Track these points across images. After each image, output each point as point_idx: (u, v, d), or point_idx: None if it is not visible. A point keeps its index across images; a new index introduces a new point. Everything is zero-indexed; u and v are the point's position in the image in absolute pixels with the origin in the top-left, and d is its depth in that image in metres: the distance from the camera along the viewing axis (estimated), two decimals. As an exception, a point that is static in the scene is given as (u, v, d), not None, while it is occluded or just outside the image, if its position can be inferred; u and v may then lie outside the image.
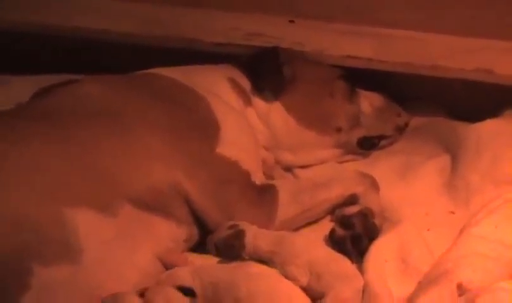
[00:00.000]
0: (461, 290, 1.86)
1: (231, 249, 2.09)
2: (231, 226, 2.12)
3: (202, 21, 2.66)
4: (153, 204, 2.07)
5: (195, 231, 2.18)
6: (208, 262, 2.14)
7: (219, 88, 2.38)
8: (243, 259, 2.10)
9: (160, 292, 1.97)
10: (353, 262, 2.07)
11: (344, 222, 2.17)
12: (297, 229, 2.23)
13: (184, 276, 2.01)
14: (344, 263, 2.05)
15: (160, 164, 2.11)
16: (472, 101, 2.46)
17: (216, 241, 2.12)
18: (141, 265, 2.04)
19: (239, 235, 2.10)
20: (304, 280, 2.00)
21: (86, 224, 1.94)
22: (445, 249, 2.05)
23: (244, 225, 2.13)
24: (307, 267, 2.03)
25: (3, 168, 1.96)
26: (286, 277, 2.02)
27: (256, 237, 2.12)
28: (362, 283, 2.00)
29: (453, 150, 2.37)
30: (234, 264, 2.07)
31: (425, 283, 1.93)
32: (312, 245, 2.12)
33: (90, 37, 2.72)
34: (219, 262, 2.12)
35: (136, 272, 2.02)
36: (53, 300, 1.89)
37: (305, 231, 2.23)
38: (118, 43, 2.69)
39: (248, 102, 2.42)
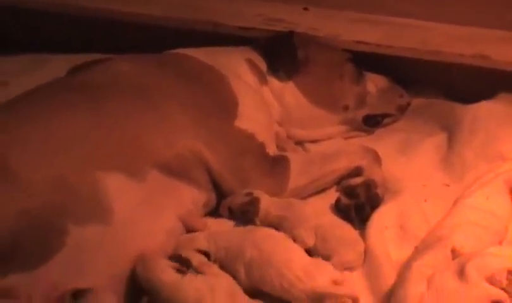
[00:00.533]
0: (454, 254, 1.87)
1: (246, 214, 2.13)
2: (247, 194, 2.15)
3: (228, 7, 2.71)
4: (177, 171, 2.10)
5: (213, 197, 2.20)
6: (222, 227, 2.17)
7: (238, 68, 2.40)
8: (254, 224, 2.13)
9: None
10: (356, 228, 2.09)
11: (349, 192, 2.19)
12: (305, 198, 2.24)
13: (201, 240, 2.05)
14: (347, 229, 2.09)
15: (184, 135, 2.13)
16: (469, 84, 2.47)
17: (231, 206, 2.16)
18: (166, 226, 2.06)
19: (254, 202, 2.14)
20: (310, 242, 2.04)
21: (117, 188, 1.97)
22: (441, 218, 2.06)
23: (259, 193, 2.16)
24: (314, 231, 2.06)
25: (46, 135, 1.97)
26: (294, 240, 2.04)
27: (268, 204, 2.14)
28: (364, 247, 2.02)
29: (450, 129, 2.37)
30: (244, 229, 2.10)
31: (422, 248, 1.95)
32: (319, 212, 2.15)
33: (124, 20, 2.76)
34: (232, 227, 2.16)
35: (161, 232, 2.05)
36: (85, 258, 1.90)
37: (313, 199, 2.24)
38: (149, 25, 2.72)
39: (264, 81, 2.43)
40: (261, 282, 1.95)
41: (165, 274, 1.91)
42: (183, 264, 1.95)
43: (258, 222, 2.14)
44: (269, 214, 2.13)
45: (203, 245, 2.03)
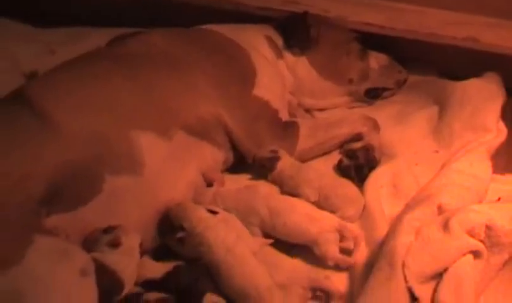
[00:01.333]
0: (440, 210, 1.90)
1: (262, 168, 2.17)
2: (273, 151, 2.19)
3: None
4: (200, 132, 2.13)
5: (230, 156, 2.23)
6: (237, 182, 2.21)
7: (257, 43, 2.40)
8: (266, 178, 2.18)
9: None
10: (355, 184, 2.14)
11: (350, 154, 2.23)
12: (312, 159, 2.27)
13: (210, 200, 2.09)
14: (350, 187, 2.11)
15: (207, 101, 2.16)
16: (460, 63, 2.47)
17: (255, 157, 2.19)
18: (189, 179, 2.10)
19: (273, 160, 2.17)
20: (313, 198, 2.08)
21: (149, 145, 2.01)
22: (429, 179, 2.09)
23: (282, 154, 2.19)
24: (317, 191, 2.09)
25: (88, 95, 2.01)
26: (299, 196, 2.09)
27: (286, 164, 2.17)
28: (363, 203, 2.06)
29: (441, 102, 2.37)
30: (246, 189, 2.12)
31: (412, 204, 1.98)
32: (322, 175, 2.16)
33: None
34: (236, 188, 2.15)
35: (185, 185, 2.09)
36: (117, 203, 1.96)
37: (318, 161, 2.27)
38: (180, 4, 2.72)
39: (279, 55, 2.44)
40: (275, 231, 1.99)
41: (201, 212, 1.96)
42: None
43: (269, 177, 2.17)
44: (282, 173, 2.16)
45: (214, 205, 2.06)
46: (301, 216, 1.99)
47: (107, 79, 2.08)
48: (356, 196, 2.09)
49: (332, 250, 1.93)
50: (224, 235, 1.92)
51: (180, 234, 1.94)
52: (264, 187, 2.12)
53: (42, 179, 1.85)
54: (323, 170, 2.22)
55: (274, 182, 2.18)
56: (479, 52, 2.45)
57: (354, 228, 1.97)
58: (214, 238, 1.91)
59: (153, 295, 1.86)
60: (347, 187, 2.12)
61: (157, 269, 1.93)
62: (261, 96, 2.27)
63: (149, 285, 1.89)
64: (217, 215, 1.97)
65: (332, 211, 2.04)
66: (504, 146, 2.22)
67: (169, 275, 1.91)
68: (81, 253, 1.77)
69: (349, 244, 1.94)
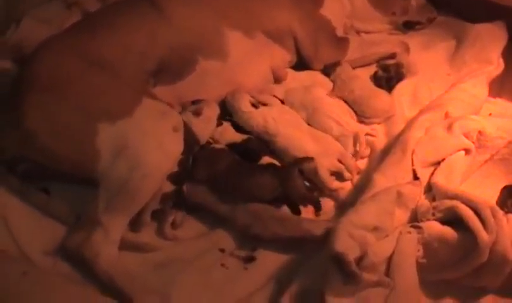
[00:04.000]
0: (446, 116, 1.89)
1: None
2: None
3: None
4: (275, 36, 2.10)
5: (294, 58, 2.18)
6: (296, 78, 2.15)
7: None
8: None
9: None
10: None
11: (384, 68, 2.20)
12: (355, 68, 2.20)
13: (278, 92, 2.04)
14: (379, 101, 2.04)
15: (285, 12, 2.13)
16: (477, 11, 2.37)
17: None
18: (262, 72, 2.10)
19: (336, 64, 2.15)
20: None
21: (235, 40, 2.00)
22: (440, 94, 2.06)
23: (344, 63, 2.16)
24: (357, 97, 2.04)
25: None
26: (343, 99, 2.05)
27: (343, 69, 2.13)
28: (386, 116, 2.02)
29: (458, 38, 2.29)
30: (303, 88, 2.05)
31: (425, 110, 1.95)
32: (364, 86, 2.08)
33: None
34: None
35: (258, 75, 2.08)
36: (207, 81, 1.96)
37: (360, 70, 2.22)
38: None
39: None
40: (316, 125, 1.96)
41: (244, 105, 1.95)
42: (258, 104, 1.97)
43: (331, 77, 2.13)
44: (338, 76, 2.12)
45: (280, 96, 2.03)
46: (329, 121, 1.95)
47: None
48: (381, 111, 2.02)
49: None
50: (263, 122, 1.91)
51: (228, 119, 1.96)
52: (317, 90, 2.07)
53: (154, 57, 1.87)
54: (364, 81, 2.15)
55: (332, 81, 2.14)
56: (494, 4, 2.35)
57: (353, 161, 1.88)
58: (256, 125, 1.92)
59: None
60: (379, 100, 2.04)
61: (237, 137, 1.93)
62: (325, 15, 2.23)
63: (231, 145, 1.90)
64: (260, 108, 1.95)
65: (361, 117, 2.01)
66: (499, 77, 2.17)
67: (243, 141, 1.91)
68: (175, 114, 1.78)
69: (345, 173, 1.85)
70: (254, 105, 1.95)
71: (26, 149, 1.71)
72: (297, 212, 1.74)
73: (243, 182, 1.75)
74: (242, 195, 1.73)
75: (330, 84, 2.13)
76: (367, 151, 1.92)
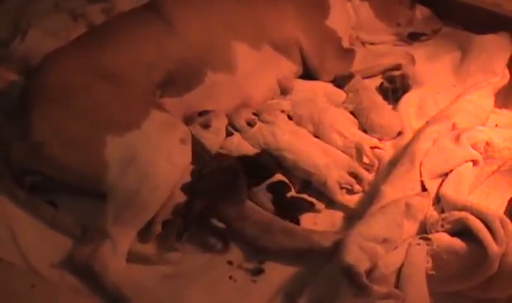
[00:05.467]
0: (453, 127, 1.89)
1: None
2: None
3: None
4: (282, 47, 2.12)
5: (300, 69, 2.20)
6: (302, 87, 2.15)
7: None
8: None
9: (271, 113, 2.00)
10: (390, 103, 2.12)
11: (390, 79, 2.22)
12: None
13: (286, 105, 2.05)
14: (383, 118, 2.02)
15: (291, 24, 2.14)
16: (482, 22, 2.38)
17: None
18: (269, 83, 2.11)
19: (350, 77, 2.17)
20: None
21: (242, 52, 2.02)
22: (446, 105, 2.06)
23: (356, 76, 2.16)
24: (363, 111, 2.05)
25: (204, 10, 2.00)
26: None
27: (356, 81, 2.14)
28: (390, 134, 2.00)
29: (463, 49, 2.30)
30: (309, 100, 2.06)
31: (432, 121, 1.96)
32: (374, 101, 2.08)
33: None
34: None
35: (265, 87, 2.09)
36: (214, 94, 1.98)
37: (365, 81, 2.20)
38: None
39: None
40: (322, 137, 1.96)
41: (240, 122, 1.95)
42: (256, 120, 1.96)
43: (345, 88, 2.13)
44: (352, 87, 2.13)
45: (287, 109, 2.03)
46: (333, 134, 1.96)
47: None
48: (378, 126, 2.01)
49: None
50: (264, 139, 1.91)
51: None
52: (321, 101, 2.09)
53: (162, 69, 1.88)
54: (373, 93, 2.15)
55: (348, 91, 2.14)
56: (499, 15, 2.37)
57: (364, 171, 1.87)
58: (258, 143, 1.92)
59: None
60: (379, 116, 2.03)
61: (250, 149, 1.93)
62: (331, 26, 2.23)
63: (244, 158, 1.89)
64: (256, 125, 1.94)
65: (365, 129, 2.01)
66: (505, 88, 2.18)
67: (255, 154, 1.91)
68: (183, 126, 1.79)
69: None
70: (249, 124, 1.95)
71: (34, 161, 1.73)
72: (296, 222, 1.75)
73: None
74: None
75: (342, 95, 2.14)
76: (375, 162, 1.91)
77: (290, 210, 1.77)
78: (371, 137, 1.98)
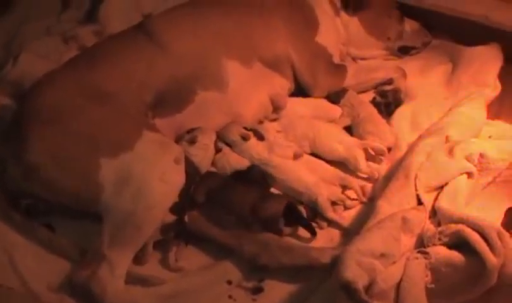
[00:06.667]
0: (447, 140, 1.90)
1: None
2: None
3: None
4: (273, 64, 2.12)
5: (293, 85, 2.20)
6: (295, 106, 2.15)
7: (321, 2, 2.30)
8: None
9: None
10: (383, 117, 2.12)
11: (382, 94, 2.23)
12: None
13: (276, 126, 2.04)
14: (378, 128, 2.05)
15: (281, 41, 2.15)
16: (472, 34, 2.40)
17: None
18: (261, 100, 2.10)
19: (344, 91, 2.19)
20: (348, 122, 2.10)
21: (233, 69, 2.02)
22: (439, 118, 2.07)
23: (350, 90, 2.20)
24: (359, 121, 2.08)
25: (194, 28, 2.02)
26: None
27: (350, 94, 2.17)
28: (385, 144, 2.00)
29: (454, 62, 2.31)
30: (302, 120, 2.06)
31: (425, 135, 1.97)
32: (370, 112, 2.11)
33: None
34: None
35: (257, 104, 2.09)
36: (205, 112, 1.98)
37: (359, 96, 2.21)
38: None
39: (337, 13, 2.35)
40: (321, 150, 1.99)
41: (232, 137, 1.96)
42: (250, 134, 1.96)
43: (340, 102, 2.15)
44: (347, 101, 2.15)
45: (279, 128, 2.03)
46: (333, 143, 1.98)
47: (209, 16, 2.07)
48: (380, 135, 2.03)
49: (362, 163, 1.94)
50: (256, 154, 1.92)
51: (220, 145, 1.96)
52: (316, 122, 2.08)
53: (153, 88, 1.89)
54: (370, 107, 2.17)
55: (343, 105, 2.15)
56: (487, 27, 2.39)
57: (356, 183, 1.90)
58: (249, 158, 1.93)
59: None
60: (376, 128, 2.06)
61: (243, 163, 1.94)
62: (321, 42, 2.24)
63: (236, 173, 1.91)
64: (250, 140, 1.95)
65: (360, 138, 2.02)
66: (497, 99, 2.20)
67: (248, 168, 1.92)
68: (176, 146, 1.80)
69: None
70: (244, 137, 1.95)
71: (29, 184, 1.74)
72: (312, 232, 1.77)
73: (229, 196, 1.78)
74: (232, 211, 1.75)
75: (338, 110, 2.15)
76: (374, 174, 1.93)
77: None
78: (370, 141, 2.00)
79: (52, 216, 1.79)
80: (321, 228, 1.81)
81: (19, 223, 1.76)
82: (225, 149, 1.95)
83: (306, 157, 1.97)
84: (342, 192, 1.88)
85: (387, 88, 2.26)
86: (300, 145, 2.00)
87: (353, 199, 1.88)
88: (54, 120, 1.74)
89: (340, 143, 1.96)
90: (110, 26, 2.36)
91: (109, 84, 1.83)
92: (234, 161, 1.93)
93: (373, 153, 1.96)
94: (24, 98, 1.88)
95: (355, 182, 1.88)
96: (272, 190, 1.90)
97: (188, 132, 1.93)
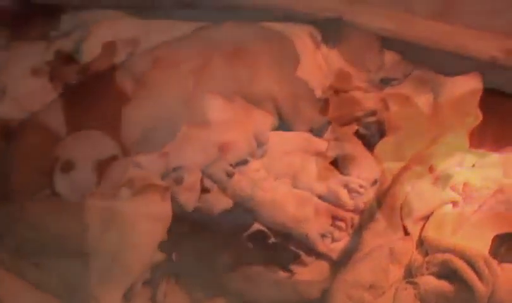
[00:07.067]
0: (430, 170, 1.92)
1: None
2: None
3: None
4: (256, 100, 2.12)
5: (276, 120, 2.19)
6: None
7: (303, 36, 2.32)
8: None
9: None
10: (367, 148, 2.12)
11: (366, 126, 2.23)
12: None
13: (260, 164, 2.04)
14: (363, 164, 2.05)
15: (263, 76, 2.14)
16: (451, 64, 2.41)
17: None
18: (244, 136, 2.07)
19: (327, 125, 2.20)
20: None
21: (216, 106, 2.04)
22: (423, 147, 2.06)
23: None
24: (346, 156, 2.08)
25: (172, 66, 2.04)
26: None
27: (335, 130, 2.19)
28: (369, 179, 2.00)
29: (435, 92, 2.31)
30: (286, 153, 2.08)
31: (409, 165, 1.97)
32: (353, 147, 2.12)
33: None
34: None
35: (240, 139, 2.06)
36: (187, 147, 1.98)
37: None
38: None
39: (318, 47, 2.34)
40: (301, 188, 1.98)
41: (218, 174, 1.96)
42: (235, 172, 1.96)
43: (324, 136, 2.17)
44: (331, 135, 2.17)
45: (259, 166, 2.03)
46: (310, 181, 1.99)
47: (191, 55, 2.10)
48: (366, 167, 2.04)
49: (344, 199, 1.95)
50: (240, 190, 1.93)
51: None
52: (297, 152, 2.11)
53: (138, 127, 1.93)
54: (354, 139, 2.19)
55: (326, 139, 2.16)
56: (465, 56, 2.40)
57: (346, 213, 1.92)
58: (232, 194, 1.93)
59: None
60: (363, 159, 2.08)
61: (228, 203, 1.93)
62: (302, 77, 2.25)
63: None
64: (231, 179, 1.95)
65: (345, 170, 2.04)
66: (479, 127, 2.22)
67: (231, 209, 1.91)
68: (161, 183, 1.82)
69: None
70: (228, 175, 1.96)
71: (15, 224, 1.73)
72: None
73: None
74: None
75: (324, 144, 2.16)
76: (358, 205, 1.93)
77: (278, 257, 1.78)
78: (353, 179, 1.99)
79: (39, 256, 1.76)
80: (306, 265, 1.81)
81: (7, 262, 1.74)
82: (213, 190, 1.95)
83: (295, 190, 1.97)
84: (332, 223, 1.89)
85: (371, 119, 2.25)
86: (282, 182, 2.00)
87: (342, 231, 1.89)
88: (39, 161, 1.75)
89: (322, 181, 1.97)
90: (95, 64, 2.32)
91: (94, 121, 1.88)
92: (222, 202, 1.93)
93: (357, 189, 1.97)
94: (9, 139, 1.89)
95: (346, 215, 1.89)
96: (258, 226, 1.90)
97: (174, 169, 1.93)
